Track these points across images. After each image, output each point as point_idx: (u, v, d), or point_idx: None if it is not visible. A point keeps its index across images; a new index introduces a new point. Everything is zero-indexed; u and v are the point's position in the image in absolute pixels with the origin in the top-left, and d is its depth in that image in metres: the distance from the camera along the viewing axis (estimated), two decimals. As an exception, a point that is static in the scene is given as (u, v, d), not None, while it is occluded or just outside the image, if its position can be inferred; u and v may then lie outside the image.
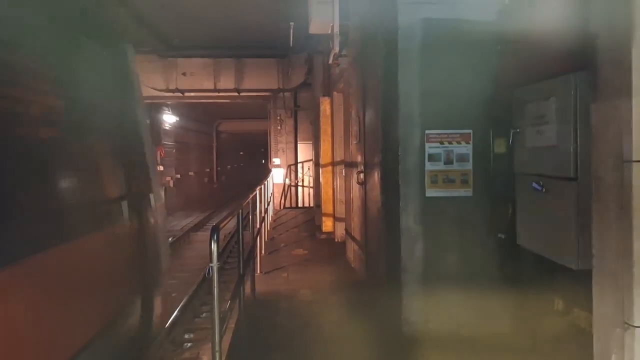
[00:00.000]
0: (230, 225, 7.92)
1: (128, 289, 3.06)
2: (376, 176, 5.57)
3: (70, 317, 2.32)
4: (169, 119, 22.67)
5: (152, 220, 3.55)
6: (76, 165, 2.66)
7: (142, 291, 3.30)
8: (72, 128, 2.71)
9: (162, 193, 3.80)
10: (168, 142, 22.76)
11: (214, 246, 3.18)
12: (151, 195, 3.61)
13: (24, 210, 2.09)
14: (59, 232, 2.30)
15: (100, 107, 3.06)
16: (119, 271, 2.95)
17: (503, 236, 3.87)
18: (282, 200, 17.69)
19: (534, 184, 3.25)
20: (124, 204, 3.05)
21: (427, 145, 4.40)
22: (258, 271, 7.29)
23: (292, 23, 12.25)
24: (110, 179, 3.01)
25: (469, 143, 4.40)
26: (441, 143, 4.40)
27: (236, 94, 17.12)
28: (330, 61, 8.30)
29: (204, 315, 8.37)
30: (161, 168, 18.54)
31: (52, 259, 2.18)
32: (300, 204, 18.68)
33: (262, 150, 37.77)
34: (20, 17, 2.33)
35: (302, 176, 18.74)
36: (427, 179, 4.41)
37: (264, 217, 9.20)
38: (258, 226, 7.46)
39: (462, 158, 4.41)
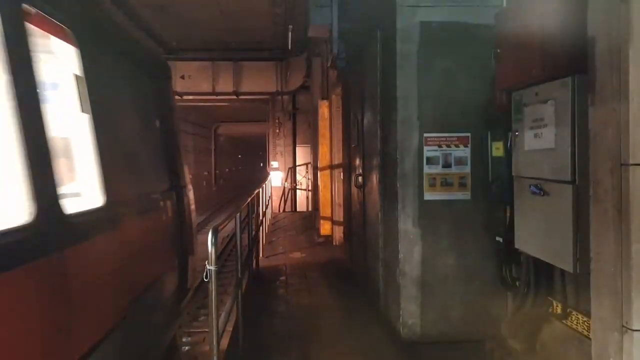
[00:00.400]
0: (228, 228, 7.90)
1: (176, 252, 4.26)
2: (374, 179, 5.57)
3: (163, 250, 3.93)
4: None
5: (187, 205, 4.76)
6: (155, 167, 4.03)
7: (183, 254, 4.42)
8: (156, 143, 4.11)
9: (191, 186, 5.09)
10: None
11: (212, 249, 3.17)
12: (186, 188, 4.80)
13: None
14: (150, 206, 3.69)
15: (164, 125, 4.38)
16: (172, 238, 4.18)
17: (501, 239, 3.87)
18: (281, 204, 17.66)
19: (532, 187, 3.25)
20: (173, 193, 4.30)
21: (425, 148, 4.41)
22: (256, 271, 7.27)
23: (290, 26, 12.27)
24: (166, 175, 4.24)
25: (467, 146, 4.41)
26: (439, 146, 4.41)
27: (235, 96, 17.14)
28: (329, 64, 8.32)
29: (201, 318, 8.34)
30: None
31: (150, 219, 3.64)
32: (298, 208, 18.66)
33: (261, 153, 37.79)
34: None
35: (305, 180, 18.69)
36: (425, 182, 4.41)
37: (262, 220, 9.19)
38: (256, 230, 7.45)
39: (460, 161, 4.41)
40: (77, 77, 2.60)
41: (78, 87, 2.61)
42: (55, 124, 2.28)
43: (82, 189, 2.62)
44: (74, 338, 2.19)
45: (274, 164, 19.36)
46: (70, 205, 2.20)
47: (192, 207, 4.99)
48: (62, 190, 2.18)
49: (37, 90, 2.07)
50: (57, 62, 2.60)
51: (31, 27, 2.11)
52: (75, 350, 2.20)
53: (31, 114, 1.98)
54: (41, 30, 2.37)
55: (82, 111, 2.63)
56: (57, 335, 2.06)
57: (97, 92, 2.70)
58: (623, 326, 2.37)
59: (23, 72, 1.96)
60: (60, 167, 2.28)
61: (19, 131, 1.88)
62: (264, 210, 9.76)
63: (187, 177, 4.98)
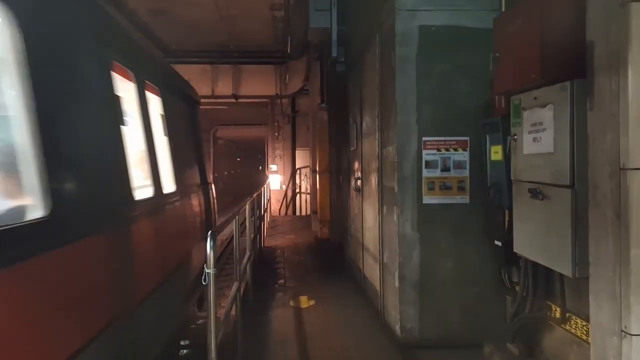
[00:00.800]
0: (226, 232, 7.89)
1: (205, 229, 5.43)
2: (373, 183, 5.57)
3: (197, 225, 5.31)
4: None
5: (212, 197, 6.25)
6: (194, 168, 5.54)
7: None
8: (193, 151, 5.65)
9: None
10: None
11: (210, 252, 3.15)
12: (211, 184, 6.32)
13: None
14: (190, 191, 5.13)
15: (196, 138, 5.92)
16: (203, 218, 5.58)
17: (500, 243, 3.87)
18: (282, 208, 17.61)
19: (531, 191, 3.24)
20: (203, 186, 5.77)
21: (424, 152, 4.41)
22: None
23: (290, 30, 12.28)
24: (198, 174, 5.70)
25: (466, 150, 4.41)
26: (438, 150, 4.41)
27: (234, 100, 17.11)
28: (328, 68, 8.32)
29: (200, 321, 8.32)
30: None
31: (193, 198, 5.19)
32: (297, 212, 18.63)
33: (260, 156, 37.74)
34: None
35: (301, 182, 18.68)
36: (424, 186, 4.41)
37: (261, 224, 9.18)
38: (255, 233, 7.44)
39: (459, 165, 4.41)
40: (161, 115, 4.26)
41: (162, 121, 4.26)
42: (157, 143, 3.85)
43: (167, 180, 4.06)
44: (173, 253, 4.14)
45: (273, 167, 19.34)
46: (165, 189, 3.87)
47: (215, 199, 6.57)
48: (161, 179, 3.79)
49: (151, 125, 3.70)
50: (155, 108, 4.10)
51: (147, 91, 3.74)
52: (178, 259, 4.24)
53: (149, 139, 3.59)
54: (150, 92, 3.88)
55: (164, 135, 4.26)
56: (167, 251, 3.94)
57: (169, 122, 4.36)
58: (622, 331, 2.36)
59: (145, 116, 3.58)
60: (160, 167, 3.83)
61: (147, 151, 3.53)
62: (262, 214, 9.74)
63: (211, 176, 6.65)
